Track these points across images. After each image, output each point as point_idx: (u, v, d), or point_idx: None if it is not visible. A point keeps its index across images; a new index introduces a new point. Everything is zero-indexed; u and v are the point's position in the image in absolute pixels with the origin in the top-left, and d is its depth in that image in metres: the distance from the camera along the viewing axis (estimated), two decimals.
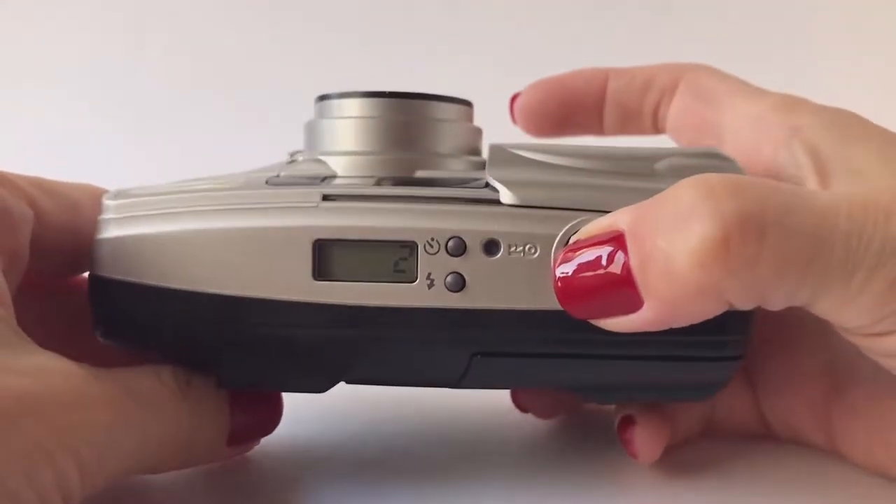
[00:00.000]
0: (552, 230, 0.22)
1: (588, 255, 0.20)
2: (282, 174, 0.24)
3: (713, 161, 0.23)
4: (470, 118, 0.26)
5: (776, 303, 0.20)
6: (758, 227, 0.18)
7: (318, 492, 0.26)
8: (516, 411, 0.31)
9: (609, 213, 0.21)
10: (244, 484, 0.26)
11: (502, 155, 0.23)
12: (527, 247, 0.22)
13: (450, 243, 0.22)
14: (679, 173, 0.21)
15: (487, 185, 0.23)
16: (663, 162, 0.23)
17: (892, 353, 0.21)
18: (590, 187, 0.22)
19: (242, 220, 0.22)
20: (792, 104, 0.25)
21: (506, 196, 0.22)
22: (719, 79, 0.27)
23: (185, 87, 0.65)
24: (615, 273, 0.20)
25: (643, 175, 0.23)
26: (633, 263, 0.19)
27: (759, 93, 0.26)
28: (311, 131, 0.26)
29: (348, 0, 0.66)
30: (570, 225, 0.22)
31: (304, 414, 0.31)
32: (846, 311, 0.20)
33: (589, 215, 0.21)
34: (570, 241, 0.21)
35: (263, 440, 0.27)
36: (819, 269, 0.19)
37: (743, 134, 0.26)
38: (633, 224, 0.20)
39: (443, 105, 0.25)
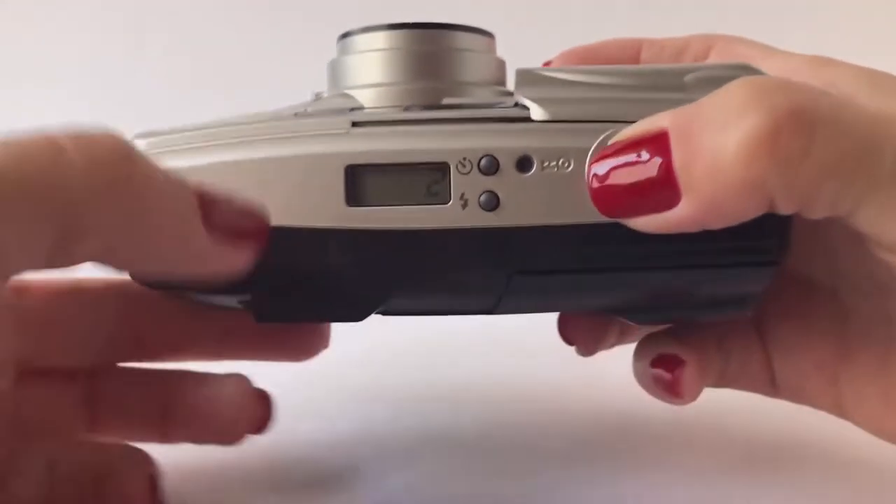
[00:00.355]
0: (585, 143, 0.21)
1: (627, 154, 0.20)
2: (309, 109, 0.24)
3: (744, 72, 0.23)
4: (493, 50, 0.26)
5: (818, 207, 0.20)
6: (809, 122, 0.18)
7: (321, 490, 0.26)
8: (517, 408, 0.31)
9: (648, 118, 0.20)
10: (245, 481, 0.26)
11: (530, 76, 0.23)
12: (560, 161, 0.22)
13: (482, 162, 0.22)
14: (710, 83, 0.21)
15: (517, 104, 0.23)
16: (693, 75, 0.23)
17: None
18: (621, 100, 0.22)
19: (273, 150, 0.22)
20: (826, 60, 0.25)
21: (536, 112, 0.22)
22: (751, 45, 0.28)
23: (185, 87, 0.65)
24: (654, 169, 0.20)
25: (673, 87, 0.22)
26: (676, 158, 0.19)
27: (792, 53, 0.26)
28: (335, 69, 0.26)
29: (348, 0, 0.65)
30: (602, 136, 0.21)
31: (303, 412, 0.31)
32: (888, 220, 0.20)
33: (622, 126, 0.21)
34: (609, 143, 0.21)
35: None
36: (867, 171, 0.19)
37: None
38: (678, 122, 0.20)
39: (466, 35, 0.25)
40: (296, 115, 0.23)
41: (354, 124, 0.22)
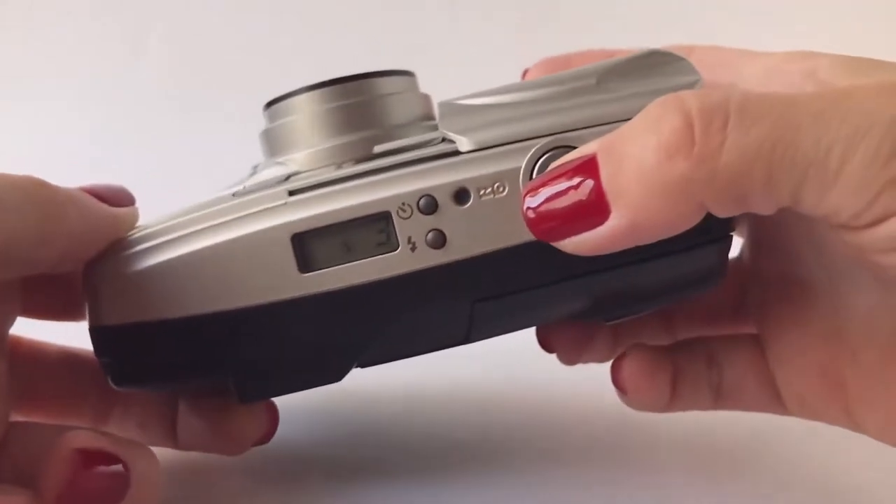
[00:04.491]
0: (515, 163, 0.22)
1: (559, 181, 0.20)
2: (246, 185, 0.24)
3: (656, 58, 0.23)
4: (415, 87, 0.27)
5: (758, 202, 0.19)
6: (722, 114, 0.18)
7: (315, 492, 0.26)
8: (513, 410, 0.31)
9: (579, 147, 0.21)
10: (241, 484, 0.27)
11: (452, 108, 0.23)
12: (495, 186, 0.22)
13: (421, 202, 0.22)
14: (618, 73, 0.22)
15: (444, 139, 0.23)
16: (605, 71, 0.23)
17: (893, 245, 0.19)
18: (540, 114, 0.22)
19: (219, 236, 0.22)
20: (808, 53, 0.24)
21: (463, 144, 0.22)
22: (728, 49, 0.27)
23: (186, 88, 0.65)
24: (585, 192, 0.20)
25: (587, 90, 0.23)
26: (603, 173, 0.20)
27: (770, 52, 0.26)
28: (266, 138, 0.26)
29: (349, 1, 0.66)
30: (530, 153, 0.22)
31: (297, 415, 0.31)
32: (832, 195, 0.18)
33: (544, 140, 0.22)
34: (543, 174, 0.21)
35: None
36: (789, 149, 0.18)
37: (755, 82, 0.25)
38: (605, 144, 0.20)
39: (384, 80, 0.25)
40: (234, 194, 0.23)
41: (291, 193, 0.22)
